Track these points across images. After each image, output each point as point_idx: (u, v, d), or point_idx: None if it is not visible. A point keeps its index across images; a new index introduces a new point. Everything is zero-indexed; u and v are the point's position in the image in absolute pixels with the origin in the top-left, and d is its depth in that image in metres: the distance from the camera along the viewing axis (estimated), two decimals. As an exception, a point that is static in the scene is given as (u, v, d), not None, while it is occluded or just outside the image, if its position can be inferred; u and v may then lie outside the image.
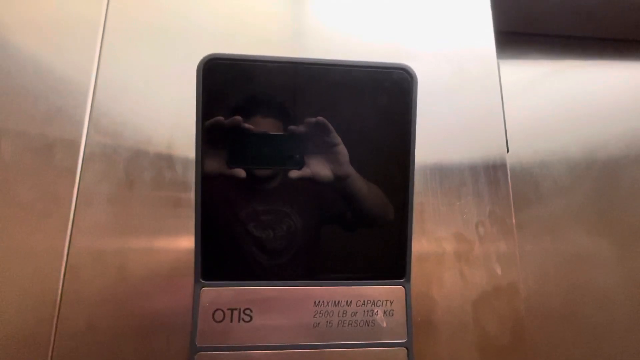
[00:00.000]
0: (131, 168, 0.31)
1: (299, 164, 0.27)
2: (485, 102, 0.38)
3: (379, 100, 0.27)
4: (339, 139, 0.27)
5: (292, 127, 0.26)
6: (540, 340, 0.43)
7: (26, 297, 0.28)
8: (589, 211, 0.48)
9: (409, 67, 0.27)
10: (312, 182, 0.27)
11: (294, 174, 0.27)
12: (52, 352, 0.28)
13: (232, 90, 0.26)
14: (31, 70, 0.33)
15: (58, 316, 0.28)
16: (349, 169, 0.27)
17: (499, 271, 0.32)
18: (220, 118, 0.26)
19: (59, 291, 0.28)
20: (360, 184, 0.28)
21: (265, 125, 0.27)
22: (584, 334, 0.43)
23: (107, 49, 0.34)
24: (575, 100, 0.53)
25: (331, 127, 0.27)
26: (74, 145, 0.31)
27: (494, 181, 0.35)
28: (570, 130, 0.52)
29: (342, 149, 0.27)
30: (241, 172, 0.26)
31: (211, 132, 0.26)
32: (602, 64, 0.54)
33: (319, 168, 0.27)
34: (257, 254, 0.28)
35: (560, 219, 0.48)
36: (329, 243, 0.29)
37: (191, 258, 0.27)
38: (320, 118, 0.27)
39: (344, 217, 0.29)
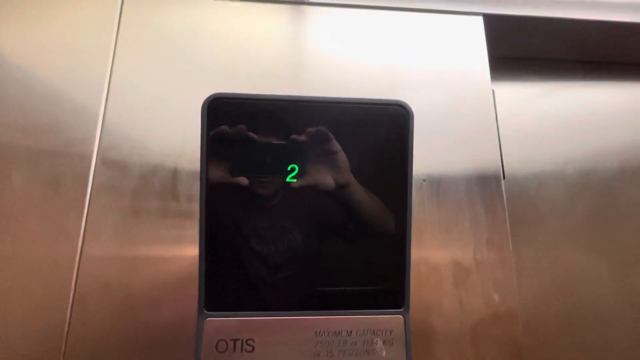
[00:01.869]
0: (137, 199, 0.32)
1: (301, 173, 0.27)
2: (480, 125, 0.40)
3: (376, 135, 0.28)
4: (339, 147, 0.28)
5: (293, 137, 0.27)
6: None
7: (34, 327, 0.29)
8: (586, 231, 0.49)
9: (405, 103, 0.28)
10: (314, 190, 0.28)
11: (296, 183, 0.27)
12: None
13: (239, 141, 0.27)
14: (42, 100, 0.35)
15: (66, 342, 0.29)
16: (350, 177, 0.28)
17: (496, 298, 0.33)
18: (225, 127, 0.27)
19: (66, 324, 0.29)
20: (360, 193, 0.28)
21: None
22: (580, 351, 0.44)
23: (116, 79, 0.36)
24: (568, 119, 0.54)
25: (331, 136, 0.27)
26: (82, 178, 0.32)
27: (490, 205, 0.36)
28: (565, 149, 0.53)
29: (343, 157, 0.28)
30: (244, 180, 0.27)
31: (216, 142, 0.27)
32: (593, 85, 0.56)
33: (320, 176, 0.28)
34: (260, 279, 0.28)
35: (558, 239, 0.48)
36: (331, 269, 0.30)
37: (192, 283, 0.28)
38: (320, 127, 0.27)
39: (345, 228, 0.29)
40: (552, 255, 0.47)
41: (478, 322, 0.32)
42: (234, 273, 0.28)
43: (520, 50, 0.52)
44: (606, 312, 0.46)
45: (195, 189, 0.33)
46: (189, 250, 0.32)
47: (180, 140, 0.34)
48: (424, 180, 0.36)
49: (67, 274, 0.30)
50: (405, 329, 0.28)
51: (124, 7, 0.38)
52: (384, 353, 0.28)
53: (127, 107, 0.35)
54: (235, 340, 0.27)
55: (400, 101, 0.28)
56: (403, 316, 0.28)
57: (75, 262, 0.30)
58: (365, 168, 0.29)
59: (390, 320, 0.28)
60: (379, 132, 0.28)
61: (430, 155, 0.37)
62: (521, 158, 0.51)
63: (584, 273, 0.47)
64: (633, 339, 0.45)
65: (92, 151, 0.34)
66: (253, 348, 0.27)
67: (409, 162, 0.29)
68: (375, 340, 0.28)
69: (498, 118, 0.41)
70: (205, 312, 0.27)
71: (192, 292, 0.29)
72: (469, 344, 0.32)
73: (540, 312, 0.44)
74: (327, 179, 0.28)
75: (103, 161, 0.33)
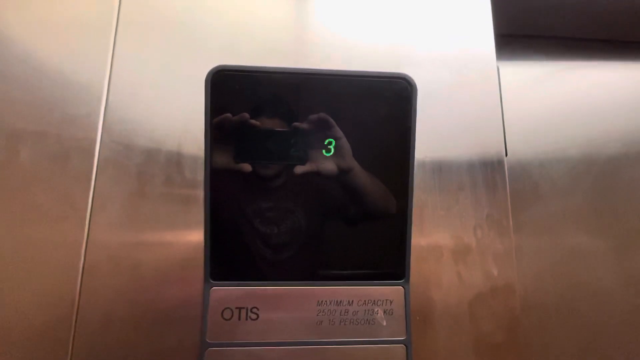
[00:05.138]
0: (143, 172, 0.33)
1: (303, 159, 0.28)
2: (484, 105, 0.39)
3: (379, 109, 0.28)
4: (341, 133, 0.28)
5: (295, 124, 0.28)
6: (535, 338, 0.44)
7: (45, 295, 0.30)
8: (587, 211, 0.49)
9: (409, 77, 0.28)
10: (316, 176, 0.28)
11: (299, 169, 0.28)
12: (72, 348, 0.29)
13: (239, 99, 0.27)
14: (46, 77, 0.35)
15: (77, 312, 0.30)
16: (352, 163, 0.28)
17: (495, 272, 0.33)
18: (228, 115, 0.27)
19: (77, 290, 0.30)
20: (363, 178, 0.29)
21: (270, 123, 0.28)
22: (579, 331, 0.45)
23: (119, 56, 0.36)
24: (574, 100, 0.54)
25: (333, 122, 0.28)
26: (88, 151, 0.33)
27: (492, 184, 0.36)
28: (569, 131, 0.53)
29: (345, 143, 0.28)
30: (247, 167, 0.28)
31: (219, 129, 0.27)
32: (601, 65, 0.55)
33: (323, 162, 0.28)
34: (263, 254, 0.29)
35: (559, 219, 0.48)
36: (333, 244, 0.30)
37: (200, 254, 0.29)
38: (322, 114, 0.28)
39: (347, 211, 0.30)
40: (553, 235, 0.48)
41: (477, 295, 0.33)
42: (239, 245, 0.29)
43: (527, 28, 0.51)
44: (604, 292, 0.47)
45: (199, 165, 0.34)
46: (196, 222, 0.32)
47: (184, 115, 0.34)
48: (427, 157, 0.36)
49: (76, 244, 0.31)
50: (405, 299, 0.29)
51: (125, -19, 0.37)
52: (385, 322, 0.29)
53: (130, 83, 0.35)
54: (240, 309, 0.28)
55: (404, 74, 0.28)
56: (403, 287, 0.29)
57: (84, 232, 0.31)
58: (367, 144, 0.29)
59: (391, 290, 0.29)
60: (383, 105, 0.28)
61: (432, 134, 0.37)
62: (524, 138, 0.51)
63: (583, 253, 0.48)
64: (629, 320, 0.45)
65: (97, 128, 0.34)
66: (257, 316, 0.28)
67: (411, 137, 0.29)
68: (376, 310, 0.29)
69: (502, 97, 0.41)
70: (211, 281, 0.28)
71: (199, 259, 0.30)
72: (467, 316, 0.32)
73: (538, 290, 0.45)
74: (329, 165, 0.28)
75: (108, 137, 0.33)
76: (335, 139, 0.28)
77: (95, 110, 0.34)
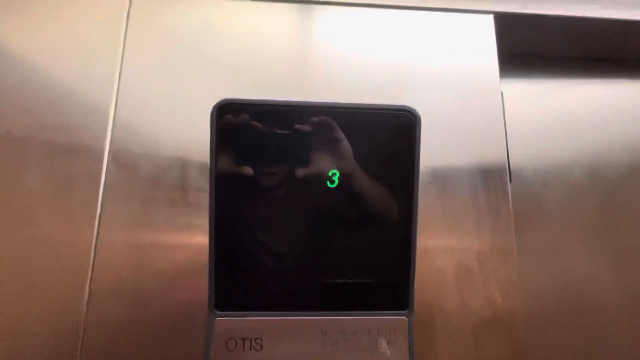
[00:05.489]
0: (147, 199, 0.33)
1: (305, 162, 0.28)
2: (488, 126, 0.39)
3: (384, 140, 0.29)
4: (342, 135, 0.28)
5: (297, 126, 0.27)
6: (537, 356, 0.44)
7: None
8: (590, 231, 0.49)
9: (412, 109, 0.28)
10: (318, 179, 0.28)
11: (301, 172, 0.28)
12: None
13: (244, 132, 0.28)
14: (53, 100, 0.35)
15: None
16: (354, 165, 0.28)
17: (498, 298, 0.34)
18: (230, 116, 0.27)
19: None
20: (365, 180, 0.29)
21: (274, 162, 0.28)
22: (582, 353, 0.44)
23: (125, 79, 0.36)
24: (575, 116, 0.54)
25: (335, 125, 0.28)
26: (94, 178, 0.33)
27: (495, 208, 0.37)
28: (572, 145, 0.53)
29: (346, 145, 0.28)
30: (248, 170, 0.28)
31: (222, 133, 0.27)
32: (601, 83, 0.55)
33: (324, 165, 0.28)
34: (267, 280, 0.29)
35: (562, 239, 0.48)
36: (338, 274, 0.30)
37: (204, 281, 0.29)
38: (323, 117, 0.28)
39: (350, 219, 0.30)
40: (556, 252, 0.48)
41: (480, 321, 0.33)
42: (243, 272, 0.29)
43: (530, 47, 0.51)
44: (607, 312, 0.47)
45: (202, 182, 0.34)
46: (199, 251, 0.32)
47: (189, 136, 0.35)
48: (430, 182, 0.36)
49: (84, 260, 0.31)
50: (408, 329, 0.29)
51: (132, 5, 0.38)
52: (388, 352, 0.29)
53: (137, 104, 0.36)
54: (244, 339, 0.28)
55: (407, 107, 0.28)
56: (407, 317, 0.29)
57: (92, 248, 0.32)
58: (372, 169, 0.29)
59: (395, 321, 0.29)
60: (386, 137, 0.28)
61: (436, 153, 0.37)
62: (527, 155, 0.51)
63: (587, 271, 0.48)
64: (632, 339, 0.45)
65: (103, 149, 0.34)
66: (262, 347, 0.28)
67: (415, 167, 0.29)
68: (380, 340, 0.29)
69: (505, 115, 0.41)
70: (216, 312, 0.28)
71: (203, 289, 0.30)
72: (470, 343, 0.32)
73: (541, 309, 0.45)
74: (330, 167, 0.28)
75: (114, 160, 0.34)
76: (337, 141, 0.28)
77: (101, 132, 0.34)
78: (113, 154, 0.34)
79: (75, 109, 0.35)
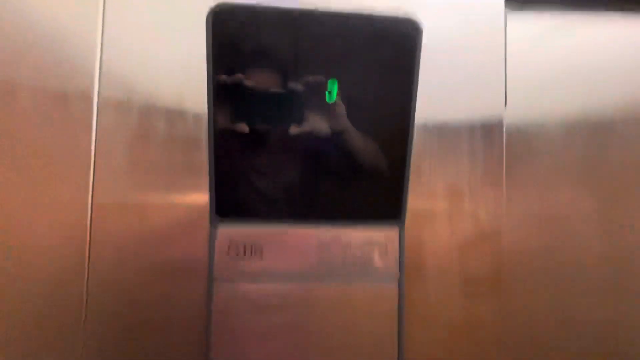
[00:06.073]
0: (144, 120, 0.33)
1: (299, 120, 0.28)
2: (489, 58, 0.39)
3: (384, 51, 0.28)
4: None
5: (291, 85, 0.28)
6: (516, 283, 0.47)
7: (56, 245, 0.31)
8: (578, 168, 0.51)
9: (416, 19, 0.28)
10: (311, 136, 0.29)
11: (294, 129, 0.29)
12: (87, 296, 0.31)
13: (241, 37, 0.27)
14: (39, 25, 0.33)
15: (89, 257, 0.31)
16: (346, 124, 0.29)
17: (484, 220, 0.35)
18: (224, 76, 0.27)
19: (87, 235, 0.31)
20: (357, 138, 0.30)
21: (271, 74, 0.28)
22: (557, 276, 0.48)
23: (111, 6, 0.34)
24: (580, 56, 0.53)
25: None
26: (87, 97, 0.32)
27: (489, 139, 0.37)
28: (571, 88, 0.53)
29: (340, 105, 0.29)
30: (244, 128, 0.28)
31: (218, 88, 0.27)
32: (612, 18, 0.53)
33: (317, 123, 0.29)
34: (267, 193, 0.31)
35: (550, 175, 0.50)
36: (332, 188, 0.31)
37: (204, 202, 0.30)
38: (318, 77, 0.28)
39: (343, 167, 0.31)
40: (544, 189, 0.49)
41: (465, 238, 0.35)
42: (242, 184, 0.30)
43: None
44: (587, 246, 0.49)
45: (201, 110, 0.33)
46: (199, 169, 0.33)
47: (184, 59, 0.34)
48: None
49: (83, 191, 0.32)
50: (400, 240, 0.31)
51: None
52: (380, 263, 0.31)
53: (125, 27, 0.34)
54: (245, 245, 0.30)
55: (410, 16, 0.28)
56: (398, 227, 0.31)
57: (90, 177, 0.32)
58: (371, 84, 0.29)
59: (387, 231, 0.31)
60: (387, 47, 0.28)
61: (435, 83, 0.37)
62: (525, 94, 0.51)
63: (572, 207, 0.50)
64: (607, 273, 0.48)
65: (94, 72, 0.33)
66: (262, 253, 0.30)
67: (415, 79, 0.29)
68: (372, 250, 0.31)
69: (507, 50, 0.40)
70: (217, 219, 0.29)
71: (204, 204, 0.31)
72: (456, 258, 0.35)
73: (525, 236, 0.48)
74: (324, 127, 0.28)
75: (107, 82, 0.33)
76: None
77: (90, 56, 0.33)
78: (105, 77, 0.33)
79: (63, 35, 0.33)
